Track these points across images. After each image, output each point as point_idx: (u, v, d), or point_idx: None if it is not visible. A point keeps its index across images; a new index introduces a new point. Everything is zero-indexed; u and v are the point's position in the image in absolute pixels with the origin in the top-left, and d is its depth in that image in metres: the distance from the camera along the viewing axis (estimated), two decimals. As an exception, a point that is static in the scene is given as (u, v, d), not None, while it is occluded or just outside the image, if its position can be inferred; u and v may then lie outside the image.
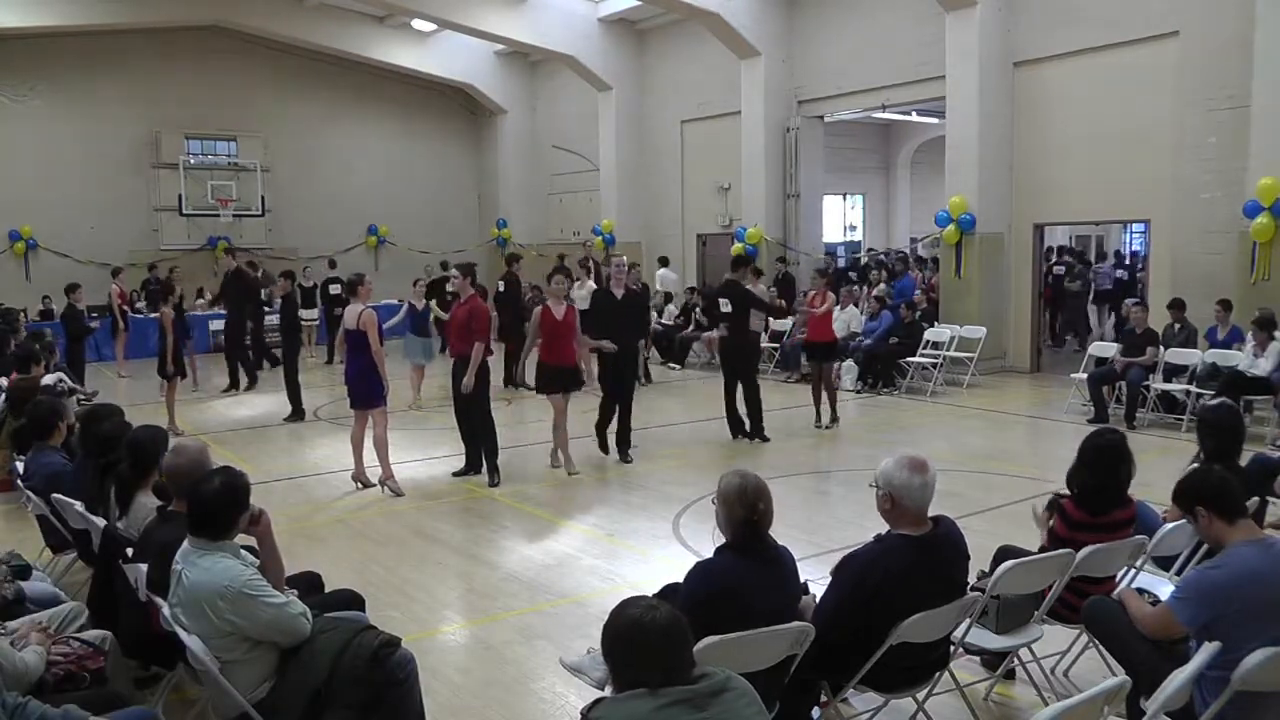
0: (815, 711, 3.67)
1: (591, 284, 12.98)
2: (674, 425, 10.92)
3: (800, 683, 3.47)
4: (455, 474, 8.63)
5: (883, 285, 15.32)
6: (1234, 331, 10.44)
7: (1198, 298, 11.12)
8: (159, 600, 3.62)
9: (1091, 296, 18.27)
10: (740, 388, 9.81)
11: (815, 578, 4.05)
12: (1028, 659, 4.32)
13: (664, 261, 17.88)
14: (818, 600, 3.56)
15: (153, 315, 15.38)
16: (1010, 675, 4.41)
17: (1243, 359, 9.87)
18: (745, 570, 3.34)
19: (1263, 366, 9.63)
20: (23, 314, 15.63)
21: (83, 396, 10.52)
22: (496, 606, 5.67)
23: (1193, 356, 10.44)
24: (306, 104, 21.79)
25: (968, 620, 3.74)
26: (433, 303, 13.19)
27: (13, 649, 3.43)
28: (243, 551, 3.57)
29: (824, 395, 10.54)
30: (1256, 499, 4.68)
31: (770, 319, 13.87)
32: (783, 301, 12.47)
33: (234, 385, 13.87)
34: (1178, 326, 10.78)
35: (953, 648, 3.78)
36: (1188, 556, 4.42)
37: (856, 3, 15.70)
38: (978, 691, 4.28)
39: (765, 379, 11.49)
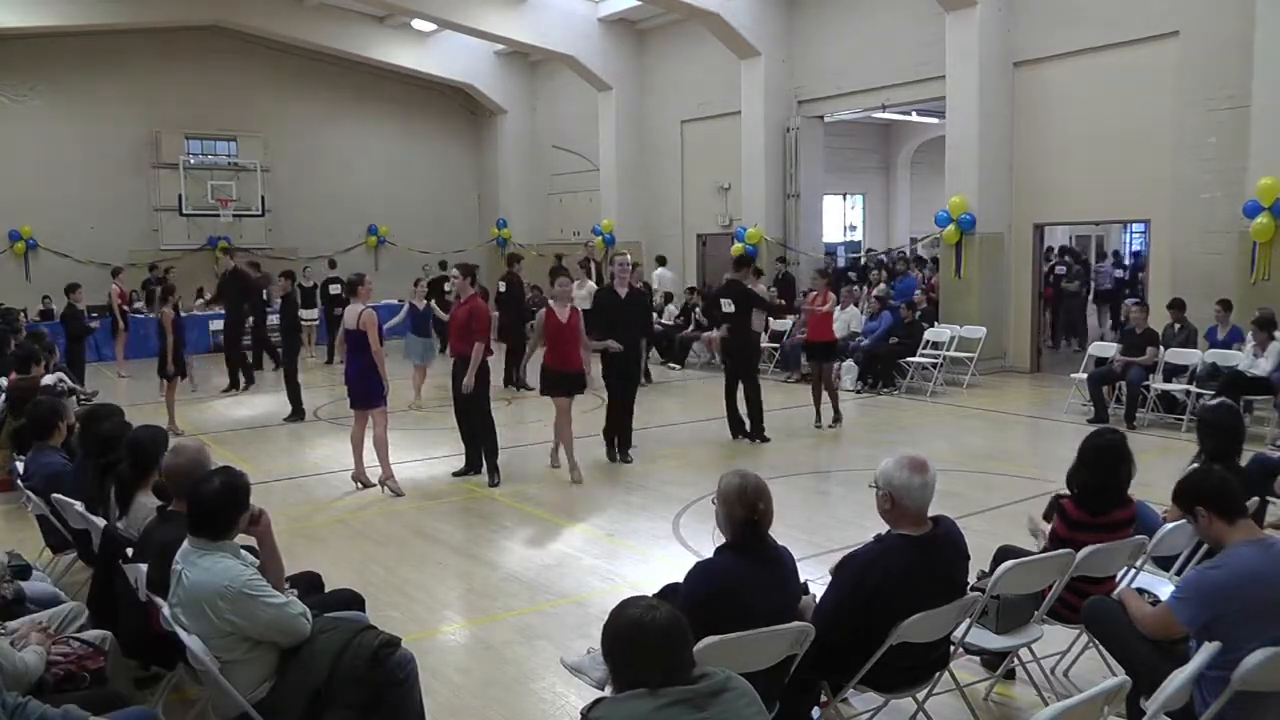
0: (815, 711, 3.67)
1: (591, 284, 12.98)
2: (674, 425, 10.92)
3: (800, 683, 3.47)
4: (455, 474, 8.63)
5: (883, 285, 15.32)
6: (1234, 331, 10.44)
7: (1198, 298, 11.13)
8: (159, 600, 3.62)
9: (1091, 296, 18.28)
10: (741, 387, 9.82)
11: (815, 578, 4.05)
12: (1028, 659, 4.32)
13: (661, 261, 17.88)
14: (818, 600, 3.56)
15: (151, 315, 15.38)
16: (1010, 675, 4.41)
17: (1243, 359, 9.87)
18: (745, 570, 3.34)
19: (1263, 366, 9.63)
20: (23, 314, 15.63)
21: (83, 396, 10.53)
22: (496, 606, 5.67)
23: (1193, 356, 10.45)
24: (306, 104, 21.79)
25: (968, 620, 3.75)
26: (433, 302, 13.20)
27: (13, 649, 3.43)
28: (243, 551, 3.57)
29: (824, 395, 10.55)
30: (1256, 499, 4.68)
31: (770, 319, 13.88)
32: (783, 301, 12.48)
33: (234, 385, 13.87)
34: (1178, 326, 10.78)
35: (953, 648, 3.78)
36: (1188, 556, 4.42)
37: (856, 3, 15.70)
38: (978, 691, 4.28)
39: (765, 379, 11.48)
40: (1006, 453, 9.57)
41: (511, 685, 4.64)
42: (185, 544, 3.49)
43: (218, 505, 3.46)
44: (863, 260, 20.45)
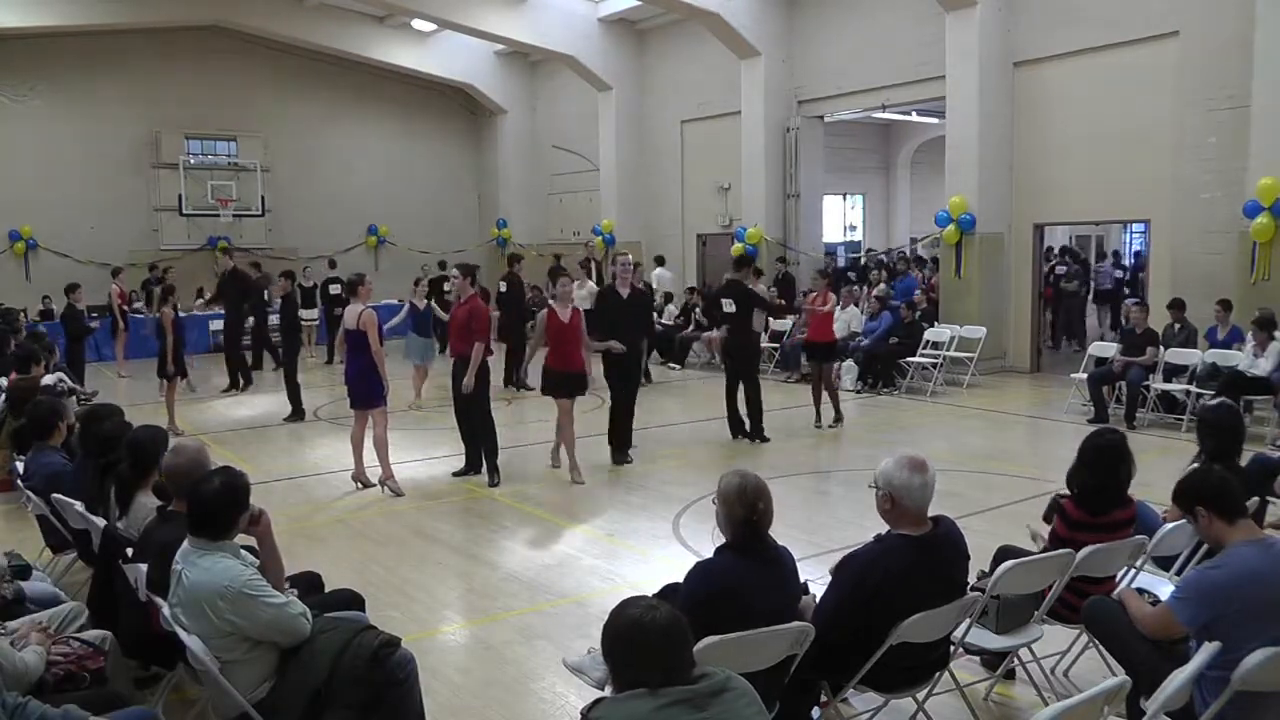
0: (815, 711, 3.67)
1: (592, 284, 12.97)
2: (674, 425, 10.92)
3: (800, 683, 3.47)
4: (455, 474, 8.63)
5: (883, 285, 15.32)
6: (1234, 331, 10.44)
7: (1198, 298, 11.13)
8: (159, 600, 3.62)
9: (1091, 296, 18.27)
10: (742, 387, 9.82)
11: (815, 578, 4.05)
12: (1028, 659, 4.32)
13: (660, 261, 17.87)
14: (818, 600, 3.56)
15: (151, 315, 15.38)
16: (1010, 675, 4.41)
17: (1243, 359, 9.87)
18: (745, 570, 3.34)
19: (1263, 366, 9.63)
20: (23, 314, 15.64)
21: (83, 396, 10.53)
22: (496, 606, 5.67)
23: (1193, 356, 10.45)
24: (306, 104, 21.78)
25: (968, 620, 3.74)
26: (433, 302, 13.20)
27: (13, 649, 3.43)
28: (243, 551, 3.57)
29: (824, 395, 10.55)
30: (1256, 499, 4.68)
31: (770, 319, 13.88)
32: (783, 301, 12.48)
33: (234, 385, 13.88)
34: (1178, 326, 10.78)
35: (953, 648, 3.78)
36: (1188, 556, 4.42)
37: (856, 3, 15.70)
38: (978, 691, 4.28)
39: (765, 379, 11.48)
40: (1006, 453, 9.57)
41: (511, 685, 4.64)
42: (185, 544, 3.49)
43: (218, 505, 3.46)
44: (863, 260, 20.45)
